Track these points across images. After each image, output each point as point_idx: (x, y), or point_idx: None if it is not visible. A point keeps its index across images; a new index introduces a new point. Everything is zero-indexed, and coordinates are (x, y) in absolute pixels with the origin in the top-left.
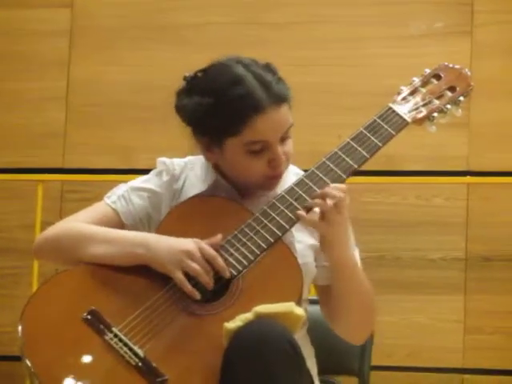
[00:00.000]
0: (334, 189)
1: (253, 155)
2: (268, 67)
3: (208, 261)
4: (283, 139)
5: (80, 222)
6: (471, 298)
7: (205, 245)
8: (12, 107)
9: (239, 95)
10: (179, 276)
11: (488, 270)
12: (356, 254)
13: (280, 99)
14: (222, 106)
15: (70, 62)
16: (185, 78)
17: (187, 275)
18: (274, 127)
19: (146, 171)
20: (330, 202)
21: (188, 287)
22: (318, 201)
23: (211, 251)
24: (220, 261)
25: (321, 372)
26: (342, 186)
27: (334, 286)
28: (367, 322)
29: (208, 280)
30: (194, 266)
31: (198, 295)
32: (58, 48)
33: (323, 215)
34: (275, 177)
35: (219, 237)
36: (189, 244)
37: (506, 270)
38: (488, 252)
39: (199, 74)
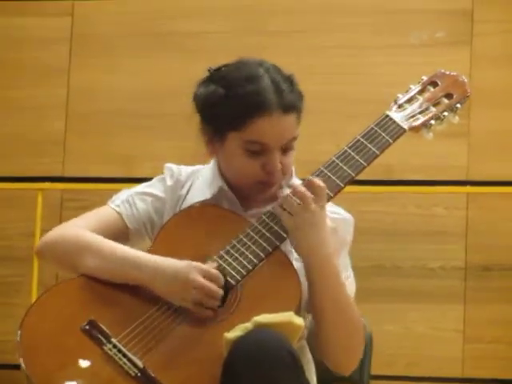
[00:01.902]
0: (301, 185)
1: (250, 155)
2: (289, 77)
3: (211, 281)
4: (285, 150)
5: (83, 227)
6: (471, 307)
7: (205, 267)
8: (12, 115)
9: (250, 92)
10: (193, 307)
11: (487, 280)
12: (347, 274)
13: (288, 107)
14: (231, 98)
15: (70, 69)
16: (208, 69)
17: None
18: (275, 132)
19: (146, 180)
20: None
21: (205, 312)
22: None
23: (213, 272)
24: (221, 279)
25: (320, 381)
26: (318, 182)
27: (311, 298)
28: (350, 345)
29: (215, 304)
30: (204, 298)
31: (212, 313)
32: (58, 56)
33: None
34: (267, 183)
35: (214, 264)
36: (187, 272)
37: (505, 280)
38: (487, 261)
39: (223, 68)
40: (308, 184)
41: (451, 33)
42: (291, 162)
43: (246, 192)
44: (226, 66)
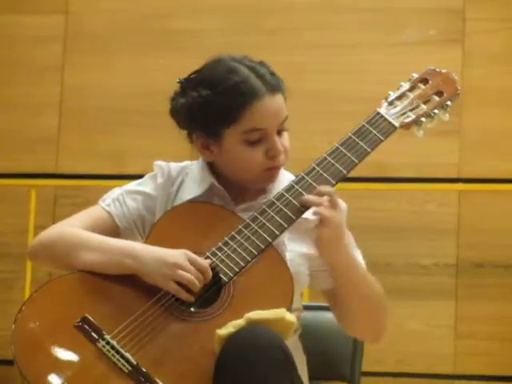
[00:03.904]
0: (325, 187)
1: (251, 146)
2: (261, 62)
3: (200, 271)
4: (280, 132)
5: (74, 226)
6: (462, 303)
7: (195, 256)
8: (5, 112)
9: (236, 83)
10: (173, 286)
11: (479, 276)
12: (358, 255)
13: (274, 88)
14: (219, 94)
15: (63, 67)
16: (179, 81)
17: (179, 284)
18: (270, 115)
19: (139, 176)
20: (325, 198)
21: (184, 294)
22: (313, 197)
23: (202, 262)
24: (210, 272)
25: (312, 378)
26: (326, 189)
27: (337, 289)
28: (376, 322)
29: (198, 289)
30: (187, 275)
31: (192, 298)
32: (52, 54)
33: (321, 213)
34: (274, 168)
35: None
36: (178, 256)
37: (496, 276)
38: (479, 258)
39: (193, 75)
40: (318, 193)
41: (443, 31)
42: (288, 141)
43: (254, 184)
44: (195, 72)
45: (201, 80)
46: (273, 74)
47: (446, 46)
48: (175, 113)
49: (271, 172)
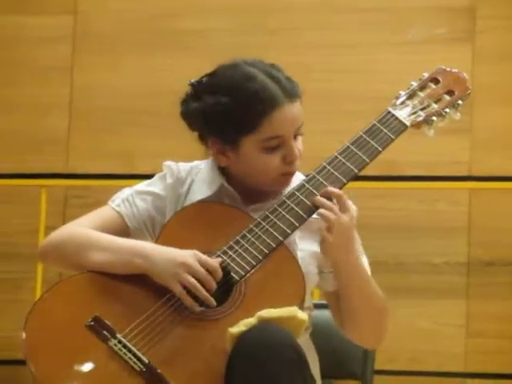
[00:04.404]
0: (334, 190)
1: (269, 152)
2: (275, 66)
3: (209, 271)
4: (296, 136)
5: (84, 227)
6: (473, 302)
7: (204, 257)
8: (16, 113)
9: (255, 91)
10: (178, 289)
11: (490, 275)
12: (364, 260)
13: (293, 95)
14: (238, 103)
15: (72, 68)
16: (191, 84)
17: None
18: (289, 122)
19: (149, 176)
20: (335, 201)
21: (187, 300)
22: (325, 200)
23: (212, 262)
24: (220, 272)
25: (324, 376)
26: (333, 190)
27: (341, 291)
28: (378, 325)
29: (205, 295)
30: (191, 280)
31: (197, 308)
32: (61, 54)
33: (329, 220)
34: (289, 173)
35: (218, 259)
36: (187, 257)
37: (508, 275)
38: (490, 257)
39: (205, 79)
40: (326, 194)
41: (453, 29)
42: (302, 146)
43: (269, 188)
44: (208, 75)
45: (217, 86)
46: (288, 78)
47: (455, 45)
48: (187, 116)
49: (286, 177)
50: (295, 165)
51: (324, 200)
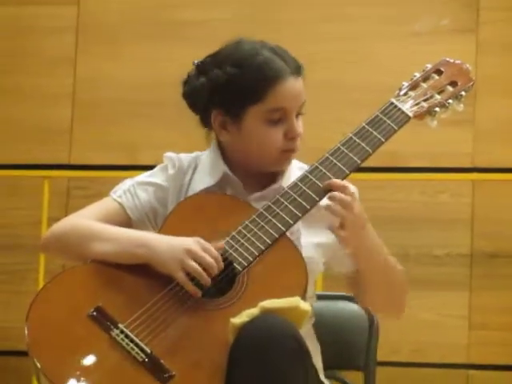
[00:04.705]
0: (339, 181)
1: (271, 126)
2: (278, 46)
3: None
4: (297, 115)
5: (86, 218)
6: (476, 294)
7: (207, 244)
8: (18, 103)
9: (262, 62)
10: (180, 276)
11: (493, 267)
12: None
13: (297, 71)
14: (246, 72)
15: (76, 58)
16: (195, 64)
17: (189, 274)
18: (292, 96)
19: (151, 168)
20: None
21: (190, 286)
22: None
23: (213, 252)
24: (221, 262)
25: (326, 367)
26: (339, 182)
27: (360, 272)
28: (398, 295)
29: (208, 280)
30: (195, 265)
31: (199, 293)
32: (65, 45)
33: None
34: (291, 150)
35: (221, 244)
36: (190, 243)
37: (511, 267)
38: (493, 248)
39: (209, 58)
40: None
41: (457, 21)
42: (302, 127)
43: (269, 167)
44: (212, 55)
45: (224, 59)
46: (291, 56)
47: (459, 36)
48: (192, 92)
49: (287, 154)
50: (296, 142)
51: (337, 180)
